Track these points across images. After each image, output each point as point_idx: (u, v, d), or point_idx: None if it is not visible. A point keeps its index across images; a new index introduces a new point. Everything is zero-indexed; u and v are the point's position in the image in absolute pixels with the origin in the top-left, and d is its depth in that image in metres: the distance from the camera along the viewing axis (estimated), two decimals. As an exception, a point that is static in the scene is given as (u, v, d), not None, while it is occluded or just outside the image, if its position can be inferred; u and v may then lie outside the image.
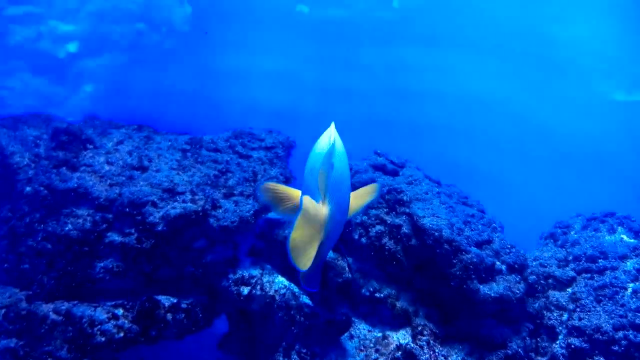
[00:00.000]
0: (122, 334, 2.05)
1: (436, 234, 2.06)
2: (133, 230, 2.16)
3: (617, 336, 1.78)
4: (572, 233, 2.31)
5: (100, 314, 2.08)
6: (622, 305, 1.84)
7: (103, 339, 2.02)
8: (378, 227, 2.26)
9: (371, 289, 2.23)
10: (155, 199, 2.20)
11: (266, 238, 2.40)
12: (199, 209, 2.18)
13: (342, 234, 2.23)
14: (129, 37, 11.27)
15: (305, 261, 1.60)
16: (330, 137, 1.76)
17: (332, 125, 1.83)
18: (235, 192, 2.28)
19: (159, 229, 2.14)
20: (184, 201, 2.20)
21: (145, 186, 2.24)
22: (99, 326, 2.05)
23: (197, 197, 2.22)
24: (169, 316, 2.13)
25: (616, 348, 1.77)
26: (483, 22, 10.03)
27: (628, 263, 2.04)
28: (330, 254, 2.34)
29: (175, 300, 2.18)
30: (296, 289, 2.25)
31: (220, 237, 2.24)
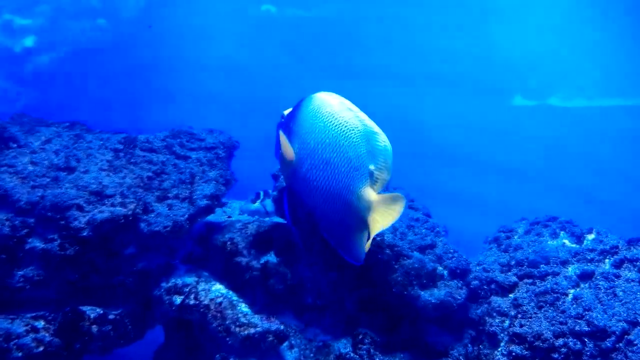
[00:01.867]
0: (41, 348, 1.90)
1: (378, 238, 1.98)
2: (56, 236, 2.01)
3: (557, 343, 1.73)
4: (515, 237, 2.28)
5: (18, 326, 1.92)
6: (563, 312, 1.80)
7: (20, 354, 1.87)
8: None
9: (314, 296, 2.13)
10: (82, 202, 2.05)
11: (205, 243, 2.28)
12: (129, 213, 2.04)
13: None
14: (89, 32, 10.90)
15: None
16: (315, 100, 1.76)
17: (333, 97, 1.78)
18: (170, 195, 2.15)
19: (85, 234, 1.99)
20: (112, 205, 2.06)
21: (71, 188, 2.09)
22: (16, 340, 1.89)
23: (127, 201, 2.08)
24: (94, 328, 1.98)
25: (556, 356, 1.73)
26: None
27: (569, 268, 2.01)
28: (273, 259, 2.23)
29: (101, 311, 2.04)
30: (234, 297, 2.13)
31: (152, 243, 2.11)
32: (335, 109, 1.74)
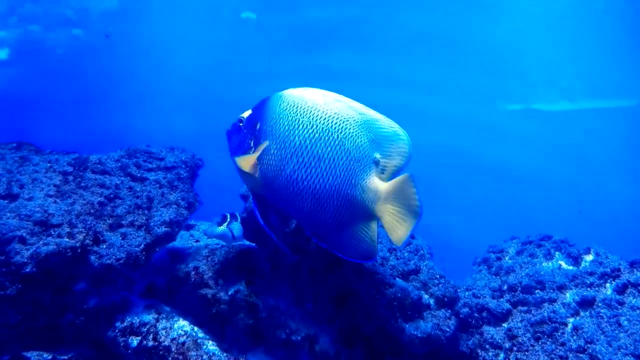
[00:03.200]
0: (-23, 404, 1.66)
1: (357, 266, 1.78)
2: (-5, 273, 1.77)
3: (557, 380, 1.54)
4: (506, 259, 2.09)
5: (-50, 379, 1.68)
6: (562, 345, 1.61)
7: (-49, 412, 1.62)
8: (295, 257, 1.96)
9: (287, 331, 1.93)
10: (24, 234, 1.82)
11: (167, 273, 2.06)
12: (77, 244, 1.82)
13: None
14: (64, 42, 10.61)
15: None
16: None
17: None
18: (124, 222, 1.93)
19: (28, 270, 1.76)
20: (59, 235, 1.83)
21: (12, 218, 1.86)
22: (-53, 396, 1.65)
23: (75, 230, 1.85)
24: (39, 378, 1.74)
25: (557, 394, 1.53)
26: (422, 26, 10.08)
27: (567, 294, 1.82)
28: (243, 290, 2.02)
29: (49, 357, 1.81)
30: (200, 334, 1.92)
31: (105, 277, 1.87)
32: (318, 102, 1.62)
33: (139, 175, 2.06)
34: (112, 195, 1.99)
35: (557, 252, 2.02)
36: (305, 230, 1.71)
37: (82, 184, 2.01)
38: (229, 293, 2.00)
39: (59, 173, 2.06)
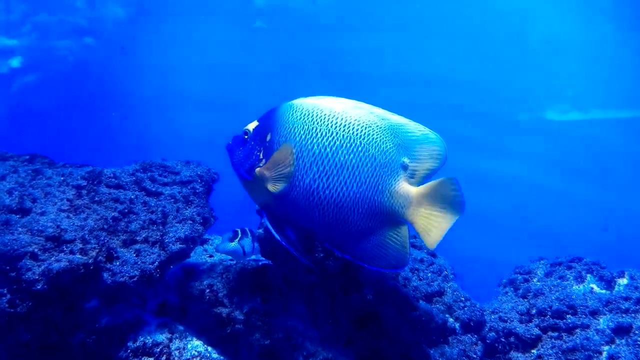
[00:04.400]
0: None
1: (377, 286, 1.71)
2: (5, 291, 1.73)
3: (592, 414, 1.45)
4: (534, 280, 2.01)
5: (-41, 399, 1.63)
6: (597, 375, 1.52)
7: None
8: (312, 277, 1.90)
9: (305, 353, 1.86)
10: (36, 250, 1.78)
11: (181, 290, 2.00)
12: (90, 261, 1.77)
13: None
14: (76, 52, 10.70)
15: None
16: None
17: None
18: (138, 238, 1.88)
19: (39, 287, 1.72)
20: (71, 252, 1.79)
21: (24, 234, 1.82)
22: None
23: (88, 247, 1.81)
24: (48, 399, 1.69)
25: None
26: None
27: (601, 320, 1.74)
28: (259, 308, 1.96)
29: (59, 377, 1.75)
30: (214, 355, 1.86)
31: (117, 295, 1.83)
32: (336, 109, 1.58)
33: (153, 189, 2.02)
34: (126, 210, 1.94)
35: (588, 275, 1.93)
36: (325, 242, 1.66)
37: (96, 199, 1.97)
38: (244, 312, 1.95)
39: (73, 187, 2.02)
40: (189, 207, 2.03)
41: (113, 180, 2.02)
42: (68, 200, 1.97)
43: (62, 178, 2.05)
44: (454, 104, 10.56)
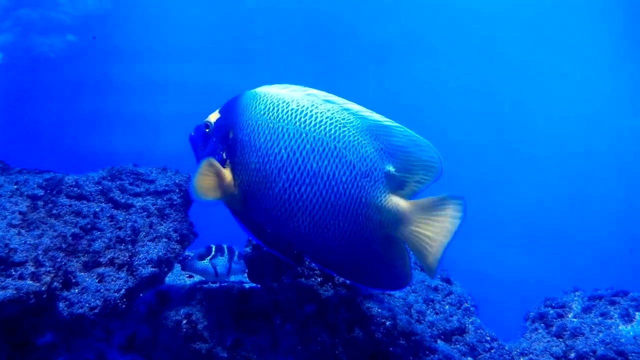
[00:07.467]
0: None
1: (388, 322, 1.45)
2: (-61, 324, 1.44)
3: None
4: (570, 316, 1.74)
5: None
6: None
7: None
8: (308, 307, 1.63)
9: (298, 399, 1.58)
10: (-22, 274, 1.48)
11: (154, 321, 1.73)
12: (43, 288, 1.50)
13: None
14: (58, 47, 10.37)
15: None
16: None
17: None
18: (102, 260, 1.61)
19: (-20, 320, 1.43)
20: (21, 276, 1.52)
21: (-36, 254, 1.52)
22: None
23: (42, 270, 1.53)
24: None
25: None
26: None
27: (657, 370, 1.49)
28: (245, 343, 1.69)
29: None
30: (190, 398, 1.58)
31: (76, 328, 1.54)
32: (303, 103, 1.37)
33: (123, 201, 1.74)
34: (89, 226, 1.66)
35: (637, 313, 1.68)
36: (306, 255, 1.50)
37: (54, 212, 1.68)
38: (227, 347, 1.68)
39: (27, 197, 1.73)
40: (165, 222, 1.75)
41: (75, 189, 1.74)
42: (21, 213, 1.68)
43: (15, 187, 1.76)
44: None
